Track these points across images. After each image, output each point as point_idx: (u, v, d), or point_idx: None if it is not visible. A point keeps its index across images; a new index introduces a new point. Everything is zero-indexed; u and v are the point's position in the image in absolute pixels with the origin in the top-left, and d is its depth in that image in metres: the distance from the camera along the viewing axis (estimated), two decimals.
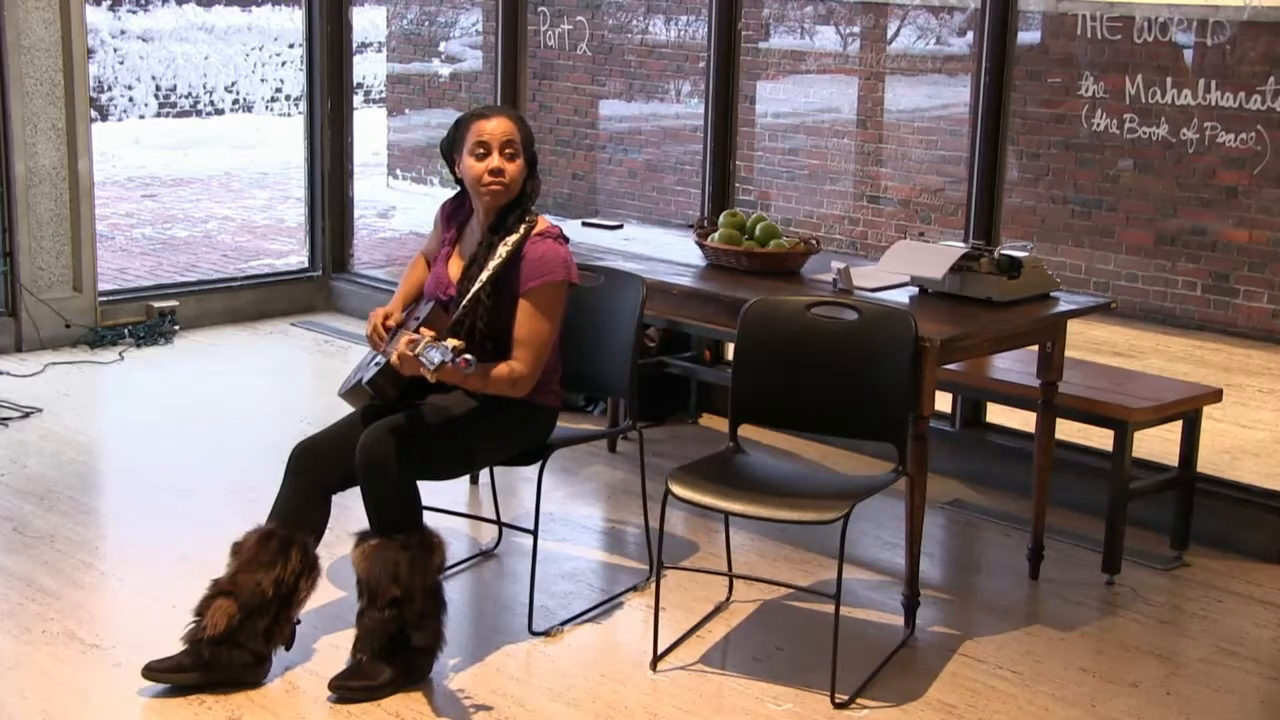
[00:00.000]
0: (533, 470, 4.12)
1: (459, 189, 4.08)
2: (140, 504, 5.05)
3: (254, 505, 4.46)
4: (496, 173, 3.89)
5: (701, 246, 4.99)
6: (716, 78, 6.11)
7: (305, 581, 3.78)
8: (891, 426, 4.04)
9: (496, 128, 3.90)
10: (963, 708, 3.80)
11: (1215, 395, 4.84)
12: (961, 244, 4.78)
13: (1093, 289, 7.71)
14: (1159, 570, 4.72)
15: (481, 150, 3.89)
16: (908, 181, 8.69)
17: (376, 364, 3.87)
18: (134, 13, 14.56)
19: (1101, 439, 4.90)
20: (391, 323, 4.01)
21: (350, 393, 3.96)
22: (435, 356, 3.53)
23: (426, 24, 11.88)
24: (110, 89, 14.28)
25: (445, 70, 11.59)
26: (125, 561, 4.56)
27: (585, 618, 4.26)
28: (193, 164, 13.16)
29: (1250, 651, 4.19)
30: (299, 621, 3.84)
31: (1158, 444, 5.03)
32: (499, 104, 6.76)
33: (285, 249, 9.58)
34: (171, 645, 3.75)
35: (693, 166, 8.88)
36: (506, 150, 3.90)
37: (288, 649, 3.83)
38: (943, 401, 5.01)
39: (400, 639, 3.71)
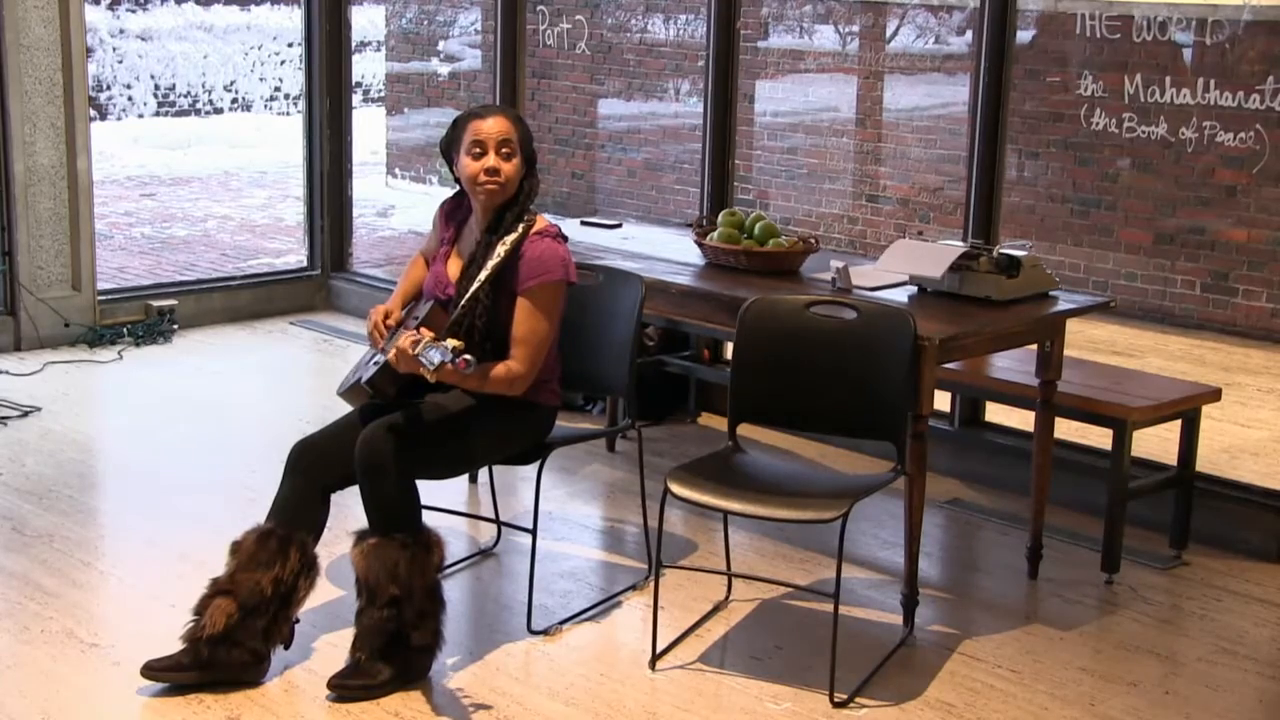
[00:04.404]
0: (532, 469, 4.12)
1: (458, 188, 4.08)
2: (139, 503, 5.05)
3: (253, 504, 4.46)
4: (492, 172, 3.89)
5: (700, 245, 4.99)
6: (715, 77, 6.11)
7: (304, 580, 3.78)
8: (890, 425, 4.04)
9: (493, 127, 3.90)
10: (961, 707, 3.80)
11: (1214, 394, 4.84)
12: (960, 243, 4.78)
13: (1092, 288, 7.71)
14: (1158, 569, 4.72)
15: (478, 150, 3.89)
16: (907, 180, 8.69)
17: (375, 363, 3.87)
18: (133, 12, 14.55)
19: (1100, 438, 4.90)
20: (391, 321, 4.02)
21: (349, 392, 3.96)
22: (435, 357, 3.53)
23: (425, 23, 11.88)
24: (109, 88, 14.27)
25: (444, 69, 11.59)
26: (124, 560, 4.56)
27: (584, 617, 4.26)
28: (192, 163, 13.16)
29: (1249, 651, 4.19)
30: (298, 620, 3.84)
31: (1157, 443, 5.03)
32: (498, 103, 6.76)
33: (284, 248, 9.58)
34: (170, 644, 3.75)
35: (692, 165, 8.88)
36: (503, 150, 3.90)
37: (286, 648, 3.83)
38: (942, 400, 5.01)
39: (399, 638, 3.71)
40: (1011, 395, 4.85)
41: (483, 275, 3.86)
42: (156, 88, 14.59)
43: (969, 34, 8.37)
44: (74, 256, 6.88)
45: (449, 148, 3.99)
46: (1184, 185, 7.52)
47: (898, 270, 4.59)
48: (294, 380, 6.73)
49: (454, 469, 4.01)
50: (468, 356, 3.54)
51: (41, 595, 4.26)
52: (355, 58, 8.18)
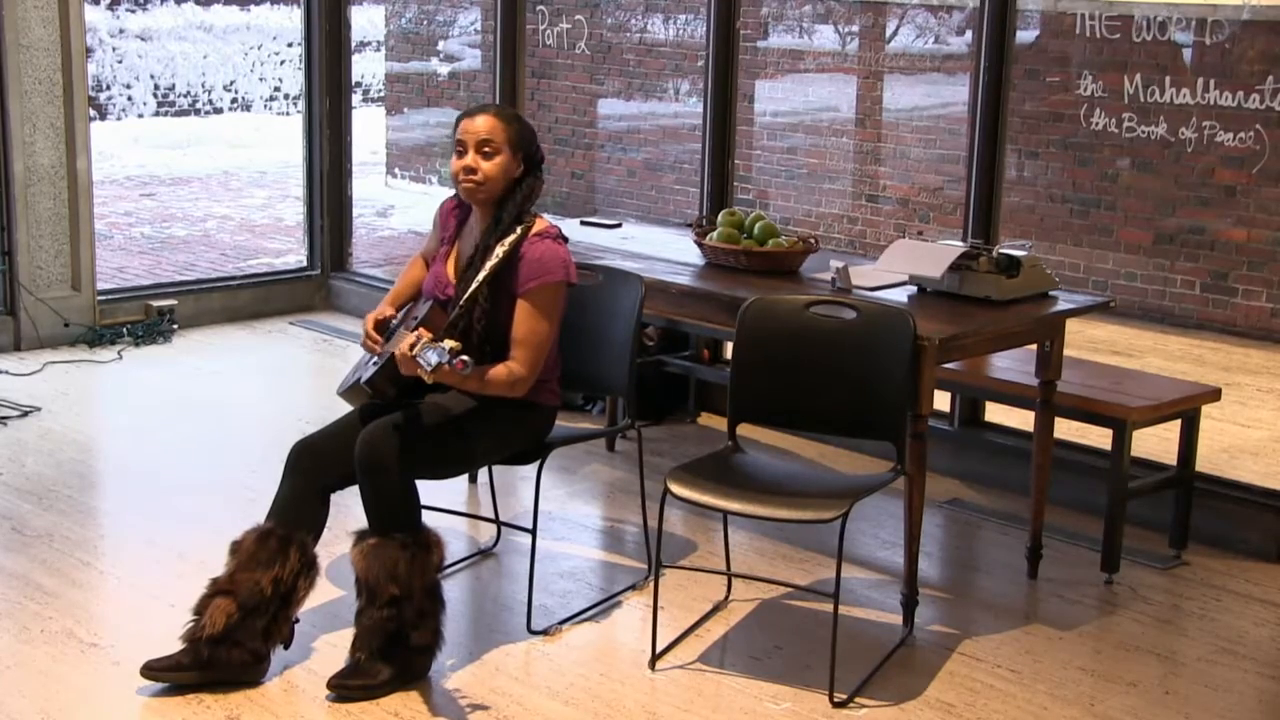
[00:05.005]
0: (531, 469, 4.12)
1: None
2: (139, 503, 5.05)
3: (253, 504, 4.46)
4: (469, 170, 3.91)
5: (700, 245, 4.99)
6: (715, 77, 6.11)
7: (304, 580, 3.78)
8: (890, 425, 4.04)
9: (477, 126, 3.92)
10: (961, 706, 3.80)
11: (1214, 394, 4.84)
12: (960, 243, 4.78)
13: (1091, 288, 7.71)
14: (1157, 569, 4.72)
15: (460, 148, 3.93)
16: (906, 180, 8.69)
17: (375, 363, 3.87)
18: (132, 11, 14.55)
19: (1100, 438, 4.90)
20: (387, 315, 4.03)
21: (349, 392, 3.96)
22: (432, 358, 3.53)
23: (425, 23, 11.88)
24: (109, 88, 14.27)
25: (444, 69, 11.59)
26: (124, 560, 4.56)
27: (584, 617, 4.26)
28: (191, 163, 13.16)
29: (1249, 650, 4.19)
30: (298, 620, 3.84)
31: (1156, 443, 5.03)
32: (497, 102, 6.76)
33: (284, 248, 9.58)
34: (170, 644, 3.75)
35: (691, 165, 8.88)
36: (484, 149, 3.91)
37: (286, 648, 3.83)
38: (941, 400, 5.01)
39: (399, 638, 3.71)
40: (1011, 395, 4.85)
41: (481, 276, 3.86)
42: (156, 88, 14.59)
43: (969, 34, 8.37)
44: (74, 256, 6.88)
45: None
46: (1184, 185, 7.52)
47: (897, 270, 4.59)
48: (294, 380, 6.73)
49: (454, 469, 4.01)
50: (465, 358, 3.54)
51: (41, 595, 4.26)
52: (355, 58, 8.18)
